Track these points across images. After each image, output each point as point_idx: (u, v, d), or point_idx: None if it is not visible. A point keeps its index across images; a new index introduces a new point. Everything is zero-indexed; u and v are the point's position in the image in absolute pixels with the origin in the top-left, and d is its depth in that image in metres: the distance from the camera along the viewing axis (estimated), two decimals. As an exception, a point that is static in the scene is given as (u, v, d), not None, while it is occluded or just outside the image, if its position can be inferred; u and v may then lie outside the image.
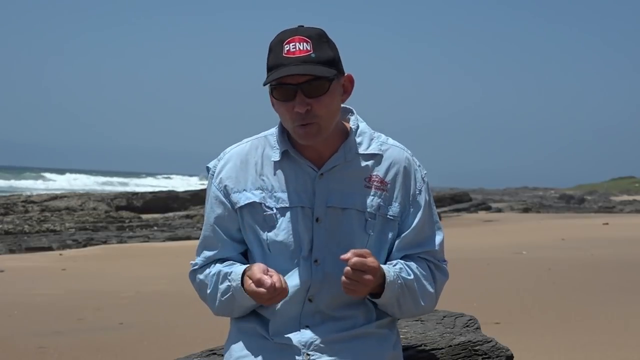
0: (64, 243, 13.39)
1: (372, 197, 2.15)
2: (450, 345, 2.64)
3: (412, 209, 2.19)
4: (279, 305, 2.12)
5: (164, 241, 14.44)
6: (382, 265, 2.08)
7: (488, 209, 28.43)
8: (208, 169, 2.25)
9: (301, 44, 2.03)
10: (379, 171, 2.18)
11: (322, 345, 2.08)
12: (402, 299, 2.12)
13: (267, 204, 2.15)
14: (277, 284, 2.00)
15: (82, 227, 15.86)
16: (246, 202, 2.16)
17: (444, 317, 2.89)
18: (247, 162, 2.19)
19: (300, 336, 2.10)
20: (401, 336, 2.53)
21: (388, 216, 2.16)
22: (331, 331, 2.10)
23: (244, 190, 2.16)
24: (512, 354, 2.78)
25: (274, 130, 2.22)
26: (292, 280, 2.12)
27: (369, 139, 2.21)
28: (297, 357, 2.07)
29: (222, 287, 2.13)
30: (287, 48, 2.03)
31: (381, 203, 2.16)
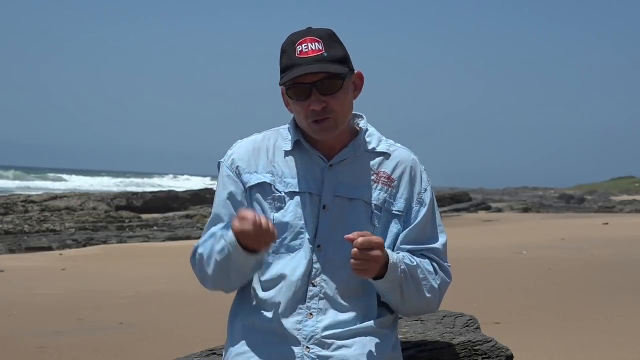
0: (64, 243, 13.40)
1: (379, 191, 2.21)
2: (451, 345, 2.64)
3: (416, 207, 2.23)
4: (282, 290, 2.13)
5: (164, 241, 14.45)
6: (386, 249, 2.11)
7: (488, 209, 28.45)
8: (220, 164, 2.29)
9: (313, 44, 2.11)
10: (387, 168, 2.24)
11: (322, 339, 2.10)
12: (405, 285, 2.14)
13: (276, 187, 2.19)
14: (260, 221, 2.00)
15: (82, 227, 15.87)
16: (257, 182, 2.21)
17: (444, 317, 2.89)
18: (260, 150, 2.26)
19: (302, 328, 2.11)
20: (401, 336, 2.54)
21: (393, 211, 2.21)
22: (333, 326, 2.12)
23: (255, 172, 2.22)
24: (512, 354, 2.78)
25: (286, 126, 2.29)
26: (295, 263, 2.15)
27: (378, 140, 2.28)
28: (297, 350, 2.09)
29: (218, 247, 2.13)
30: (300, 49, 2.11)
31: (387, 198, 2.21)
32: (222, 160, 2.29)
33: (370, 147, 2.24)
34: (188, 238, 14.49)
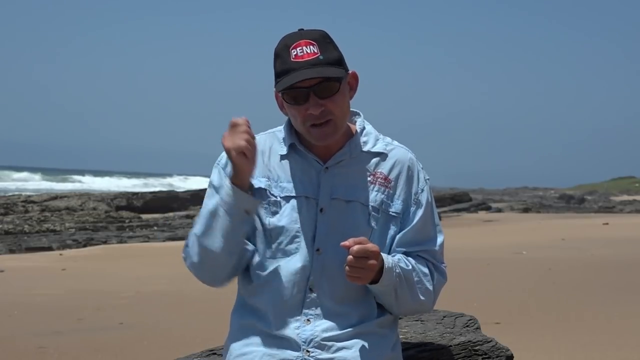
0: (64, 243, 13.40)
1: (376, 192, 2.18)
2: (451, 345, 2.64)
3: (413, 208, 2.21)
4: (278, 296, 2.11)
5: (164, 241, 14.46)
6: (381, 253, 2.09)
7: (488, 209, 28.44)
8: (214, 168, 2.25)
9: (308, 47, 2.07)
10: (383, 168, 2.21)
11: (322, 342, 2.09)
12: (399, 289, 2.13)
13: (272, 192, 2.17)
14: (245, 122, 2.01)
15: (82, 227, 15.87)
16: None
17: (444, 317, 2.89)
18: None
19: (301, 332, 2.10)
20: (401, 336, 2.53)
21: (390, 212, 2.19)
22: (332, 328, 2.11)
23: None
24: (512, 354, 2.78)
25: (281, 128, 2.26)
26: (293, 266, 2.13)
27: (375, 139, 2.25)
28: (296, 353, 2.08)
29: (210, 203, 2.09)
30: (295, 52, 2.07)
31: (384, 199, 2.18)
32: (216, 162, 2.23)
33: (366, 148, 2.21)
34: (188, 238, 14.47)
